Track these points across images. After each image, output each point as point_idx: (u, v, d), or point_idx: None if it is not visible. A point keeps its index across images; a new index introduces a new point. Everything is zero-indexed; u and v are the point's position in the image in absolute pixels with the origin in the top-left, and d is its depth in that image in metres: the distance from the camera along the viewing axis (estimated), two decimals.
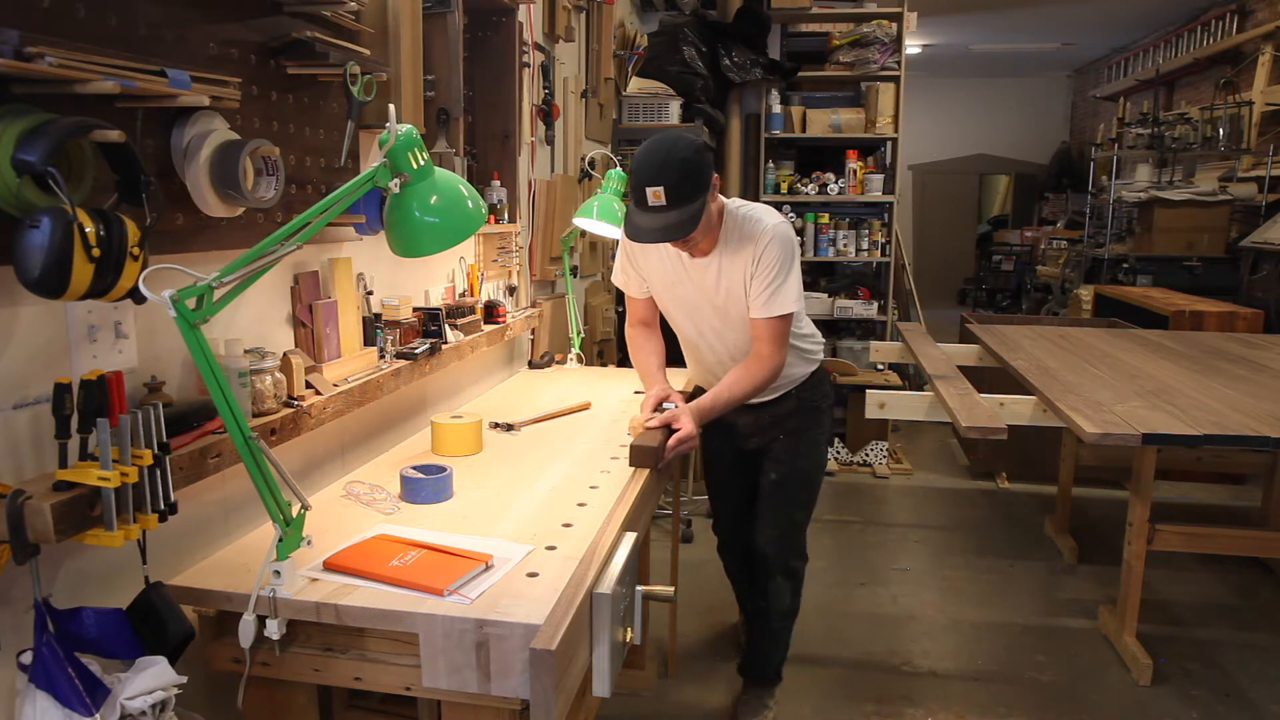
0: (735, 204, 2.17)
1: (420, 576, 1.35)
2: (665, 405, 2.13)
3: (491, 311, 2.64)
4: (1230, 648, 3.02)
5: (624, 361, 3.30)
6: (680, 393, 2.26)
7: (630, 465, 1.91)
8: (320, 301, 1.82)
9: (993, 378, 3.69)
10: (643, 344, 2.39)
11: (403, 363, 2.02)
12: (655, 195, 1.91)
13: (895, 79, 5.14)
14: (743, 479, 2.55)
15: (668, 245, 2.14)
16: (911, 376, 5.52)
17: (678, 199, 1.92)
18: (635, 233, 1.99)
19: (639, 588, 1.51)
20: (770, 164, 5.34)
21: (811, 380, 2.42)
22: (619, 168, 2.99)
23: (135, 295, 1.14)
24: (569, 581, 1.36)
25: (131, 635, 1.21)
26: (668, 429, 2.03)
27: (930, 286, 9.24)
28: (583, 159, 3.79)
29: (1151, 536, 2.81)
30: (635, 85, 4.63)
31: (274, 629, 1.29)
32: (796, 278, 2.13)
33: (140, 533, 1.19)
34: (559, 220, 3.32)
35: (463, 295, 2.61)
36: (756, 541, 2.47)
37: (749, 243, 2.09)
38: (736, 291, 2.15)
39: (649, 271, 2.29)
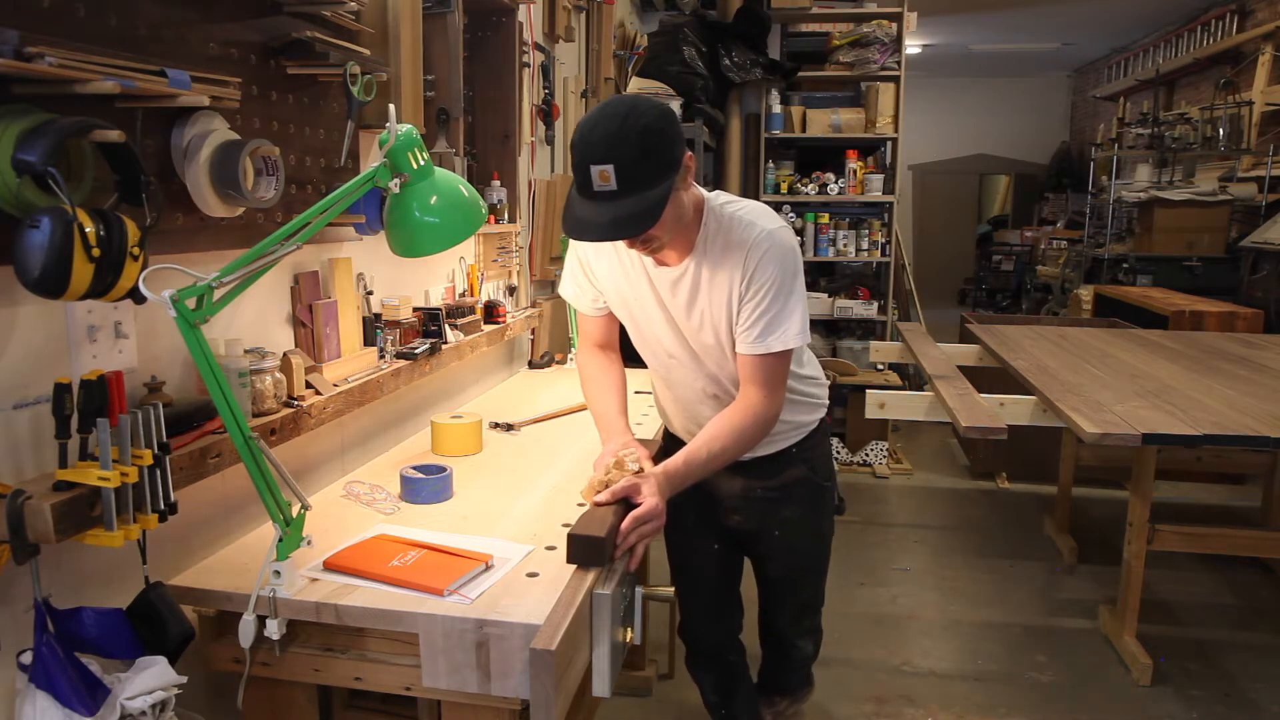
0: (720, 199, 1.64)
1: (420, 576, 1.35)
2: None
3: (491, 311, 2.64)
4: (1230, 648, 3.02)
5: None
6: (647, 442, 1.80)
7: (568, 562, 1.39)
8: (320, 301, 1.82)
9: (993, 378, 3.69)
10: (598, 376, 1.82)
11: (403, 363, 2.02)
12: (603, 176, 1.39)
13: (895, 79, 5.14)
14: (720, 560, 1.99)
15: (623, 246, 1.62)
16: (911, 376, 5.52)
17: (634, 182, 1.40)
18: (575, 227, 1.46)
19: (639, 588, 1.51)
20: (770, 164, 5.34)
21: (817, 435, 1.89)
22: None
23: (135, 295, 1.14)
24: (569, 581, 1.36)
25: (131, 635, 1.21)
26: (625, 503, 1.49)
27: (930, 286, 9.25)
28: None
29: (1151, 536, 2.81)
30: (635, 85, 4.63)
31: (274, 629, 1.29)
32: (800, 302, 1.60)
33: (140, 533, 1.19)
34: (559, 220, 3.32)
35: (463, 295, 2.61)
36: (769, 625, 2.07)
37: (736, 252, 1.57)
38: (716, 316, 1.63)
39: (605, 281, 1.75)
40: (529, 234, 3.17)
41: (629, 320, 1.78)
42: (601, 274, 1.75)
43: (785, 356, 1.63)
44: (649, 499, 1.47)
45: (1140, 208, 6.37)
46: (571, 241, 1.72)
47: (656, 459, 1.68)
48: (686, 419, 1.87)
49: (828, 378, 2.01)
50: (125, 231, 1.10)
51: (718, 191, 1.67)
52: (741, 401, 1.64)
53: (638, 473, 1.55)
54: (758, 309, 1.58)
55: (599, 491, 1.50)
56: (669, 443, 1.98)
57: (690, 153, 1.51)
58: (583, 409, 2.47)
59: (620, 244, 1.63)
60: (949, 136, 11.21)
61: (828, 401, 1.94)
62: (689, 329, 1.68)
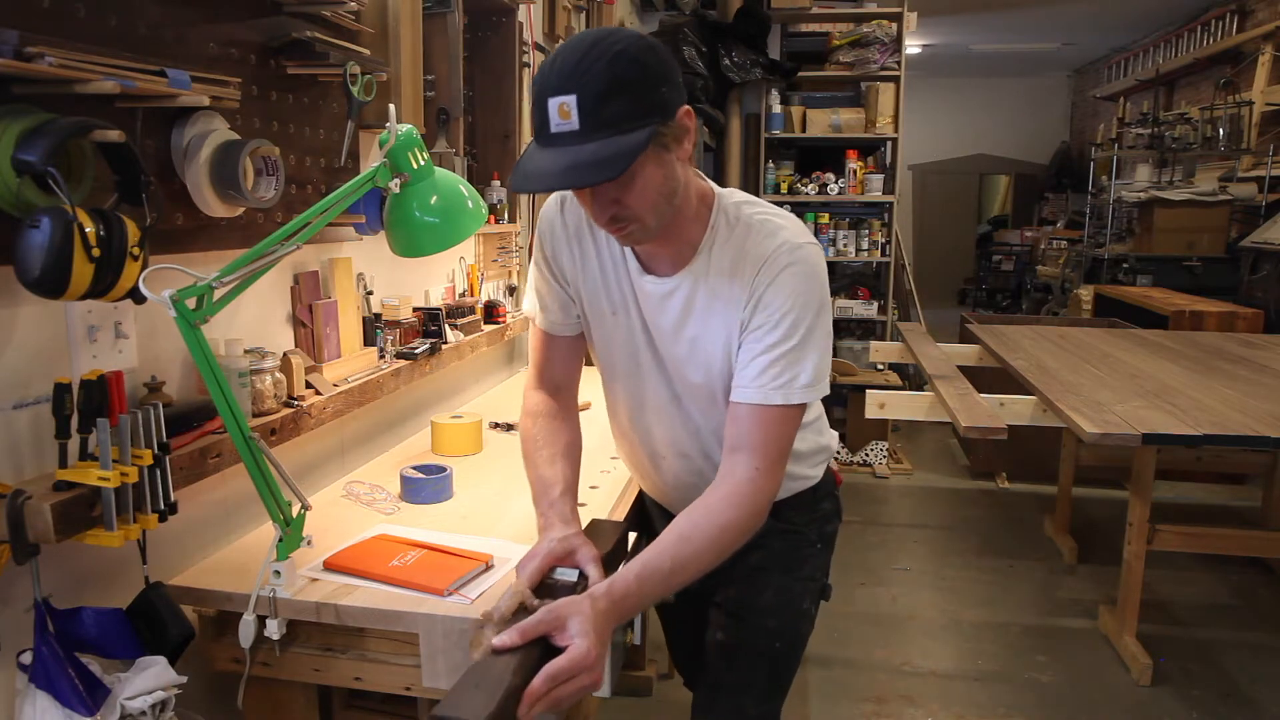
0: (736, 197, 1.28)
1: (420, 576, 1.35)
2: (559, 577, 1.16)
3: (491, 311, 2.64)
4: (1230, 648, 3.02)
5: None
6: (602, 529, 1.35)
7: None
8: (320, 301, 1.82)
9: (993, 378, 3.69)
10: (545, 438, 1.35)
11: (403, 363, 2.02)
12: (562, 111, 1.05)
13: (895, 79, 5.14)
14: (696, 613, 1.54)
15: (610, 244, 1.29)
16: (911, 376, 5.52)
17: (600, 121, 1.05)
18: (521, 178, 1.10)
19: None
20: (770, 164, 5.34)
21: (807, 497, 1.48)
22: None
23: (135, 295, 1.14)
24: None
25: (131, 635, 1.21)
26: (542, 644, 1.00)
27: (930, 286, 9.24)
28: None
29: (1151, 536, 2.81)
30: None
31: (274, 629, 1.30)
32: (822, 344, 1.23)
33: (140, 533, 1.19)
34: None
35: (463, 295, 2.61)
36: None
37: (749, 264, 1.21)
38: (711, 346, 1.26)
39: (581, 284, 1.34)
40: (529, 234, 3.17)
41: (596, 334, 1.38)
42: (572, 275, 1.34)
43: (793, 415, 1.22)
44: (577, 642, 0.98)
45: (1140, 208, 6.37)
46: (536, 237, 1.37)
47: (636, 523, 1.42)
48: (642, 477, 1.53)
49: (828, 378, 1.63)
50: (125, 231, 1.10)
51: (734, 190, 1.30)
52: (725, 481, 1.19)
53: (575, 584, 1.13)
54: (763, 342, 1.20)
55: (497, 634, 1.00)
56: (648, 505, 1.63)
57: (689, 108, 1.13)
58: (583, 408, 2.46)
59: (600, 237, 1.30)
60: (949, 136, 11.21)
61: (828, 462, 1.53)
62: (673, 360, 1.31)
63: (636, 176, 1.10)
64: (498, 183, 2.74)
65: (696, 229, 1.25)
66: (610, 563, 1.25)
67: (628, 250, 1.28)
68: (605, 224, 1.17)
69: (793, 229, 1.24)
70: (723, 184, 5.47)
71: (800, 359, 1.20)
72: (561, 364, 1.40)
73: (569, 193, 1.30)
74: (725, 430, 1.24)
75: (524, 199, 3.05)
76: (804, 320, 1.20)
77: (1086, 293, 5.99)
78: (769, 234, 1.22)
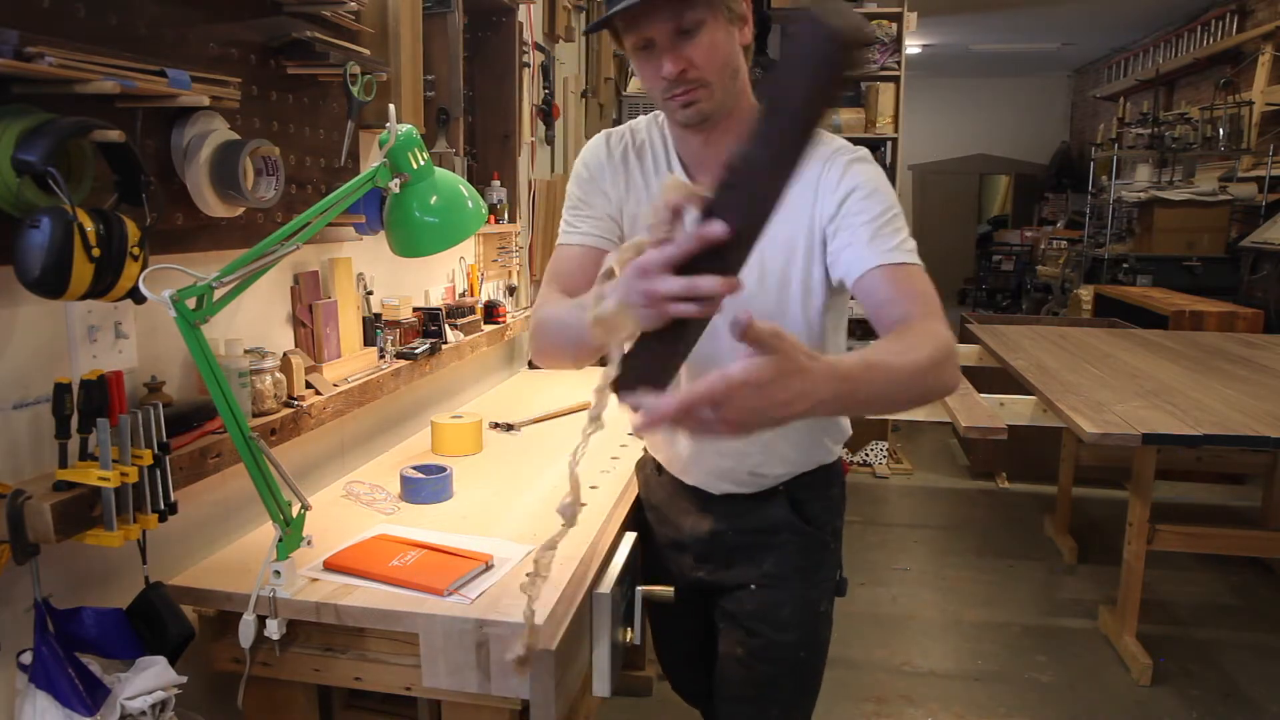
0: None
1: (420, 576, 1.35)
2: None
3: (491, 311, 2.64)
4: (1230, 648, 3.02)
5: None
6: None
7: (619, 389, 0.84)
8: (320, 301, 1.82)
9: (993, 378, 3.69)
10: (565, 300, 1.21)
11: (403, 363, 2.02)
12: None
13: (895, 79, 5.14)
14: (693, 617, 1.56)
15: (658, 169, 1.30)
16: None
17: None
18: (598, 19, 1.18)
19: (639, 588, 1.51)
20: None
21: (821, 476, 1.43)
22: None
23: (135, 295, 1.14)
24: (569, 581, 1.36)
25: (131, 635, 1.21)
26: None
27: None
28: None
29: (1151, 536, 2.81)
30: (635, 85, 4.62)
31: (274, 629, 1.29)
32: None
33: (140, 533, 1.19)
34: (559, 220, 3.32)
35: (463, 295, 2.61)
36: None
37: (812, 166, 1.21)
38: (787, 249, 1.23)
39: (625, 208, 1.33)
40: (529, 234, 3.17)
41: None
42: (616, 198, 1.32)
43: (924, 275, 1.15)
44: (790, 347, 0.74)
45: (1140, 208, 6.37)
46: (578, 168, 1.36)
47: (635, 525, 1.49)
48: (682, 446, 1.42)
49: None
50: (125, 231, 1.10)
51: None
52: (903, 327, 1.07)
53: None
54: (861, 218, 1.15)
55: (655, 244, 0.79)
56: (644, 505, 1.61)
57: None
58: (583, 408, 2.46)
59: (648, 164, 1.30)
60: (949, 136, 11.21)
61: (839, 451, 1.47)
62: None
63: (705, 31, 1.12)
64: (498, 183, 2.74)
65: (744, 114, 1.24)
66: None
67: (677, 170, 1.29)
68: (673, 85, 1.15)
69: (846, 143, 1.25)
70: None
71: (901, 228, 1.17)
72: (578, 273, 1.28)
73: (615, 128, 1.37)
74: (873, 306, 1.13)
75: (524, 200, 3.05)
76: (889, 198, 1.18)
77: (1086, 293, 5.99)
78: (824, 141, 1.23)
